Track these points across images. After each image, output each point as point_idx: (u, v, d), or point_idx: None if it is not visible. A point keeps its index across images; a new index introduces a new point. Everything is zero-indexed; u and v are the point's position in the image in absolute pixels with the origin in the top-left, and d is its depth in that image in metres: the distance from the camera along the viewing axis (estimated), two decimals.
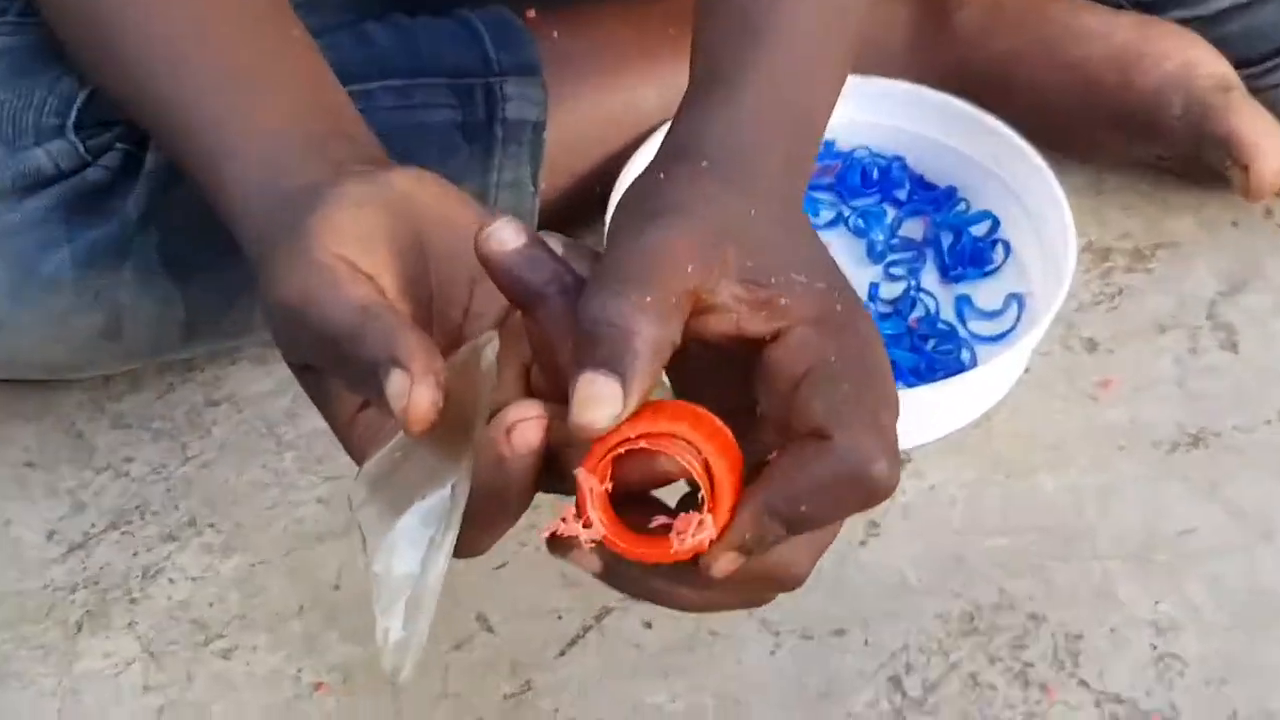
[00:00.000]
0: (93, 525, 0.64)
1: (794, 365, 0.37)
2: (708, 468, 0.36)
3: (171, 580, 0.62)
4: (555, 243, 0.39)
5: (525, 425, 0.36)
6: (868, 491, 0.36)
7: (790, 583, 0.39)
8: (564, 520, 0.36)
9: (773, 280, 0.38)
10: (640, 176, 0.42)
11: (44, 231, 0.61)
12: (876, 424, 0.36)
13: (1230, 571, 0.62)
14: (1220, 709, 0.56)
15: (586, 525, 0.36)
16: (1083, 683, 0.57)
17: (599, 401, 0.34)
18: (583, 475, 0.35)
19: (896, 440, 0.37)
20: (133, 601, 0.61)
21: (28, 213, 0.60)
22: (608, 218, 0.67)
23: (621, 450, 0.35)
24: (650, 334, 0.35)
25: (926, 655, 0.58)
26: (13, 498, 0.66)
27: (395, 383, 0.36)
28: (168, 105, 0.50)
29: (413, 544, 0.37)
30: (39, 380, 0.69)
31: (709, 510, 0.36)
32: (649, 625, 0.59)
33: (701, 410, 0.37)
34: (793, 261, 0.39)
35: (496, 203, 0.68)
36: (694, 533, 0.35)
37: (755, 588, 0.40)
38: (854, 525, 0.63)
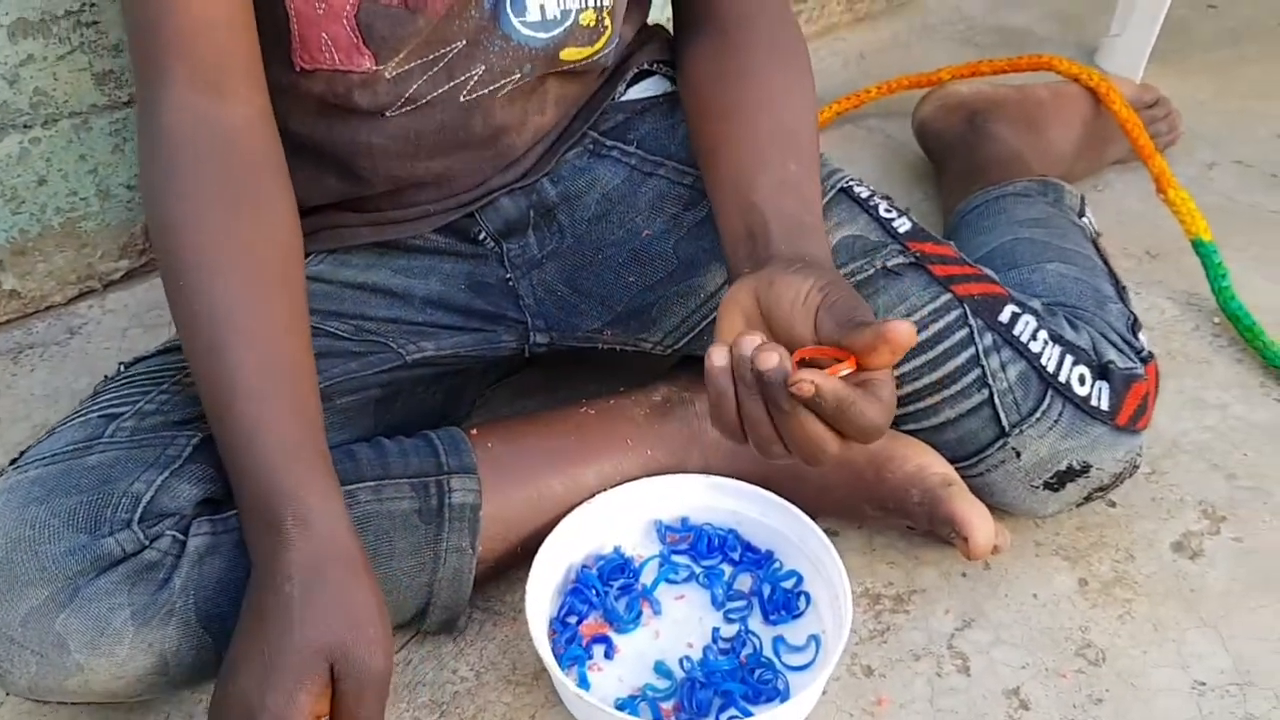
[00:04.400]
0: None
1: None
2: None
3: None
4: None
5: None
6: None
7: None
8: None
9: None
10: (790, 270, 0.67)
11: (113, 599, 0.66)
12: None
13: None
14: None
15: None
16: None
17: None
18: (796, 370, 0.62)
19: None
20: None
21: (102, 585, 0.66)
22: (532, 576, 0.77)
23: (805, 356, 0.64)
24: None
25: None
26: None
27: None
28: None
29: None
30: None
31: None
32: None
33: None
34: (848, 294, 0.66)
35: (445, 563, 0.76)
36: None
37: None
38: None
